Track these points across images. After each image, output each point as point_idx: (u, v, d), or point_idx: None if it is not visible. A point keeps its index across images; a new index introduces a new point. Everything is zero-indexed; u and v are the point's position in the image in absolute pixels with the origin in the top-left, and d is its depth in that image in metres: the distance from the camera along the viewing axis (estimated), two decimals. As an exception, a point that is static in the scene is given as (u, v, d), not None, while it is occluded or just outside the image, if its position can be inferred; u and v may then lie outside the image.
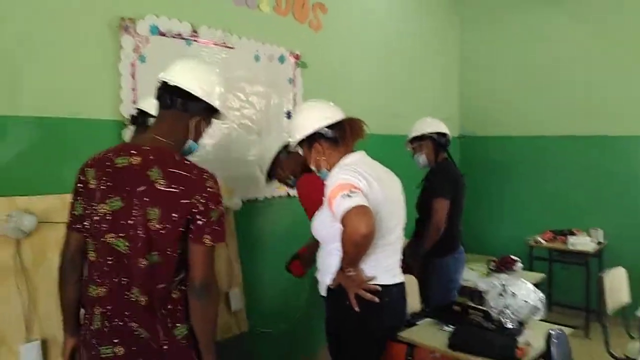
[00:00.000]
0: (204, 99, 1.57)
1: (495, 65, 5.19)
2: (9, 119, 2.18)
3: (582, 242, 4.20)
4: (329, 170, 2.02)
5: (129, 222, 1.44)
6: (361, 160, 2.04)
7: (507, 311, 2.27)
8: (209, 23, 2.87)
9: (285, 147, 2.76)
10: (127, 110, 2.50)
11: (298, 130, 2.07)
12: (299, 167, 2.62)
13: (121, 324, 1.47)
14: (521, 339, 2.23)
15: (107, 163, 1.49)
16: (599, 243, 4.31)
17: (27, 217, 2.05)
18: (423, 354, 2.48)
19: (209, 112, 1.63)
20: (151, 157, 1.48)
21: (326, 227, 1.99)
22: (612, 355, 2.83)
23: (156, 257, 1.46)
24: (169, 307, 1.50)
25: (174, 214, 1.44)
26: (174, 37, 2.71)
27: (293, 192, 3.41)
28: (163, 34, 2.65)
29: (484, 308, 2.44)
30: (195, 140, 1.63)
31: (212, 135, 2.93)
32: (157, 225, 1.44)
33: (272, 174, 2.79)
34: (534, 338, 2.22)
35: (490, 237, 4.86)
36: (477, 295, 2.81)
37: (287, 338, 3.32)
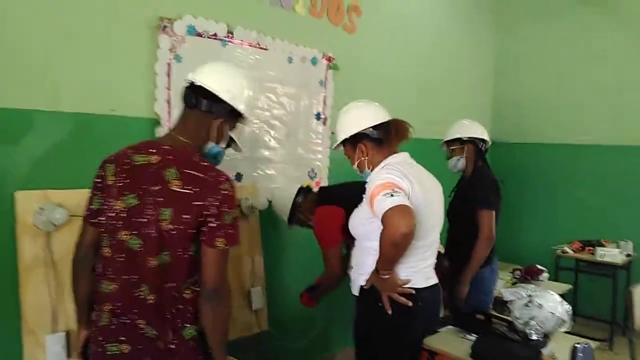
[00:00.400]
0: (228, 101, 1.58)
1: (529, 71, 5.12)
2: (46, 114, 2.24)
3: (611, 254, 4.13)
4: (371, 170, 2.03)
5: (143, 220, 1.45)
6: (405, 161, 2.05)
7: (533, 322, 2.26)
8: (244, 24, 2.90)
9: (300, 190, 2.76)
10: (161, 109, 2.56)
11: (343, 130, 2.08)
12: (315, 205, 2.63)
13: (128, 321, 1.47)
14: (546, 351, 2.22)
15: (126, 160, 1.50)
16: (628, 255, 4.23)
17: (59, 210, 2.10)
18: (443, 361, 2.49)
19: (233, 115, 1.63)
20: (169, 157, 1.48)
21: (364, 224, 2.00)
22: (638, 371, 2.79)
23: (167, 257, 1.46)
24: (179, 307, 1.49)
25: (185, 215, 1.43)
26: (209, 38, 2.74)
27: (320, 193, 3.45)
28: (199, 34, 2.69)
29: (509, 318, 2.44)
30: (217, 142, 1.62)
31: (242, 134, 2.96)
32: (169, 226, 1.44)
33: (293, 219, 2.78)
34: (558, 350, 2.21)
35: (517, 246, 4.80)
36: (499, 304, 2.79)
37: (307, 338, 3.35)
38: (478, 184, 2.83)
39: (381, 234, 1.80)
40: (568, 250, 4.35)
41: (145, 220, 1.45)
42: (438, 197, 2.09)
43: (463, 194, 2.92)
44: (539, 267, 3.70)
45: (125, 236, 1.46)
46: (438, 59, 4.51)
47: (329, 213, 2.50)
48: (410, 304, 1.92)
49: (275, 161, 3.19)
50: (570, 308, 2.35)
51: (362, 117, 2.05)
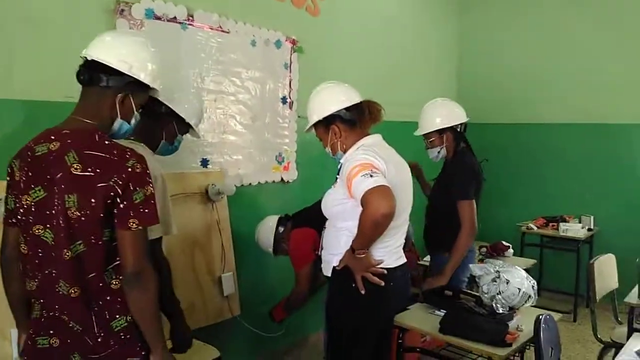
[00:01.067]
0: (125, 72, 1.45)
1: (493, 51, 5.19)
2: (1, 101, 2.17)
3: (574, 229, 4.25)
4: (344, 152, 2.03)
5: (52, 211, 1.37)
6: (379, 143, 2.06)
7: (499, 297, 2.31)
8: (205, 7, 2.85)
9: (280, 221, 2.87)
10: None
11: (316, 112, 2.06)
12: (291, 230, 2.82)
13: (56, 315, 1.41)
14: (512, 324, 2.27)
15: (28, 152, 1.41)
16: (590, 230, 4.36)
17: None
18: (414, 337, 2.53)
19: (137, 87, 1.51)
20: (69, 141, 1.38)
21: (338, 204, 2.00)
22: (599, 339, 2.88)
23: (81, 246, 1.38)
24: (107, 298, 1.41)
25: (92, 199, 1.35)
26: (169, 21, 2.69)
27: (286, 177, 3.45)
28: (158, 18, 2.63)
29: (477, 293, 2.48)
30: (125, 118, 1.50)
31: (207, 119, 2.93)
32: (77, 213, 1.35)
33: (278, 250, 2.88)
34: (524, 323, 2.27)
35: (484, 223, 4.83)
36: (471, 279, 2.84)
37: (280, 323, 3.35)
38: (457, 174, 2.69)
39: (361, 214, 1.81)
40: (532, 226, 4.45)
41: (55, 211, 1.37)
42: (409, 179, 2.12)
43: (444, 181, 2.80)
44: (505, 243, 3.79)
45: (39, 230, 1.39)
46: (403, 40, 4.52)
47: (302, 235, 2.69)
48: (383, 283, 1.95)
49: (242, 146, 3.16)
50: (536, 283, 2.41)
51: (334, 98, 2.04)
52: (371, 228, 1.82)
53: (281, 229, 2.87)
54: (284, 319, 3.03)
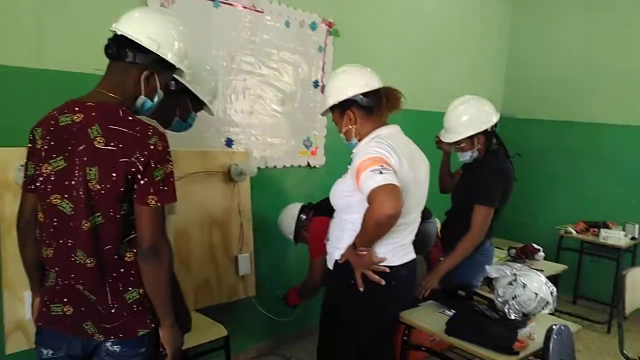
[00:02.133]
0: (152, 49, 1.45)
1: (545, 44, 4.91)
2: (32, 71, 2.23)
3: (615, 236, 4.02)
4: (359, 140, 1.96)
5: (72, 182, 1.39)
6: (395, 135, 1.96)
7: (512, 302, 2.21)
8: (239, -16, 2.83)
9: (303, 208, 2.84)
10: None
11: (332, 95, 1.99)
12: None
13: (71, 283, 1.45)
14: (523, 332, 2.17)
15: (51, 122, 1.43)
16: (633, 238, 4.12)
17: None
18: (423, 336, 2.46)
19: (163, 66, 1.51)
20: (93, 114, 1.40)
21: (345, 196, 1.93)
22: (624, 355, 2.73)
23: (99, 218, 1.40)
24: (121, 270, 1.45)
25: (113, 174, 1.37)
26: (201, -1, 2.68)
27: (313, 162, 3.41)
28: (190, -6, 2.63)
29: (491, 296, 2.39)
30: (148, 96, 1.51)
31: (235, 99, 2.93)
32: (97, 186, 1.38)
33: (299, 238, 2.86)
34: (539, 332, 2.16)
35: (521, 223, 4.69)
36: (487, 281, 2.73)
37: (301, 305, 3.36)
38: (485, 176, 2.51)
39: (366, 212, 1.75)
40: (572, 230, 4.25)
41: (74, 182, 1.39)
42: (425, 175, 2.02)
43: (471, 180, 2.62)
44: (535, 245, 3.62)
45: (56, 200, 1.42)
46: (448, 27, 4.34)
47: (321, 223, 2.59)
48: (384, 282, 1.88)
49: (269, 128, 3.15)
50: (555, 289, 2.29)
51: (351, 82, 1.96)
52: (374, 227, 1.76)
53: (303, 217, 2.85)
54: (297, 304, 3.03)
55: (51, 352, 1.49)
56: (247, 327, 3.08)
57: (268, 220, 3.14)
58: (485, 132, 2.54)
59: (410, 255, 2.03)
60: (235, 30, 2.87)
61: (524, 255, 3.53)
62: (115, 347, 1.47)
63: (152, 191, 1.40)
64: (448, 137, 2.59)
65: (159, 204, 1.41)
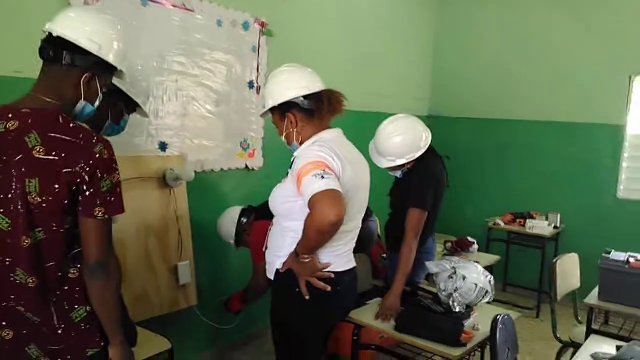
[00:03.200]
0: (92, 51, 1.37)
1: (467, 46, 5.15)
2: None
3: (540, 226, 4.25)
4: (300, 144, 1.88)
5: (9, 196, 1.29)
6: (338, 139, 1.89)
7: (455, 294, 2.27)
8: (167, -18, 2.72)
9: (243, 212, 2.81)
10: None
11: (272, 96, 1.89)
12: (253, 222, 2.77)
13: (9, 305, 1.34)
14: (468, 323, 2.23)
15: None
16: (556, 227, 4.38)
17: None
18: (370, 334, 2.48)
19: (104, 68, 1.43)
20: (29, 121, 1.30)
21: (285, 202, 1.85)
22: (557, 338, 2.88)
23: (40, 233, 1.31)
24: (65, 288, 1.36)
25: (55, 185, 1.28)
26: (127, -4, 2.55)
27: (251, 164, 3.35)
28: (116, -8, 2.49)
29: (434, 290, 2.44)
30: (89, 100, 1.42)
31: (167, 101, 2.81)
32: (38, 199, 1.29)
33: (240, 241, 2.82)
34: (482, 322, 2.23)
35: (452, 218, 4.82)
36: (430, 276, 2.79)
37: (243, 310, 3.29)
38: (416, 180, 2.53)
39: (307, 218, 1.69)
40: (499, 222, 4.45)
41: (11, 195, 1.29)
42: (366, 181, 1.97)
43: (403, 183, 2.65)
44: (469, 239, 3.76)
45: None
46: (376, 29, 4.42)
47: (263, 227, 2.53)
48: (329, 288, 1.83)
49: (204, 131, 3.05)
50: (492, 278, 2.37)
51: (292, 84, 1.87)
52: (316, 234, 1.70)
53: (244, 220, 2.79)
54: (239, 310, 2.96)
55: None
56: (190, 337, 2.97)
57: (206, 225, 3.04)
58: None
59: (352, 263, 1.98)
60: (165, 29, 2.76)
61: (459, 248, 3.65)
62: None
63: (98, 202, 1.32)
64: (381, 162, 2.56)
65: (106, 216, 1.34)
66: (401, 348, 2.38)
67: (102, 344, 1.43)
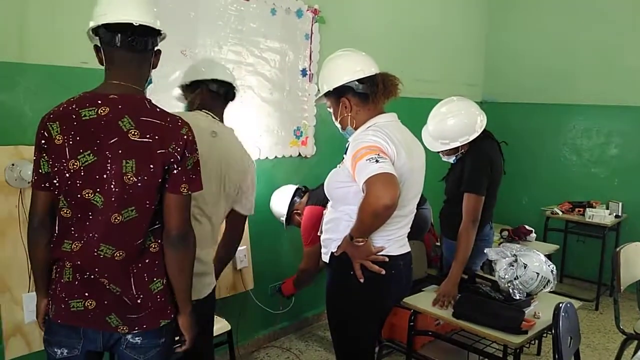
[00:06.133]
0: (161, 31, 1.46)
1: (525, 28, 4.96)
2: (14, 65, 2.15)
3: (600, 215, 4.10)
4: (355, 129, 1.88)
5: (104, 176, 1.37)
6: (392, 123, 1.88)
7: (516, 282, 2.23)
8: (223, -29, 2.76)
9: (296, 191, 2.85)
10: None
11: (327, 81, 1.90)
12: (305, 205, 2.81)
13: (92, 277, 1.42)
14: (529, 311, 2.19)
15: (72, 116, 1.37)
16: (617, 216, 4.21)
17: (31, 166, 2.03)
18: (426, 321, 2.47)
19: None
20: (120, 107, 1.38)
21: (341, 186, 1.86)
22: (621, 330, 2.78)
23: (133, 212, 1.39)
24: (146, 261, 1.45)
25: (151, 165, 1.38)
26: (185, -15, 2.61)
27: (304, 152, 3.38)
28: (175, -18, 2.56)
29: (493, 278, 2.40)
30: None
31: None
32: (134, 179, 1.37)
33: (290, 221, 2.88)
34: (542, 310, 2.19)
35: (507, 206, 4.70)
36: (487, 264, 2.75)
37: (295, 296, 3.34)
38: (471, 165, 2.49)
39: (361, 202, 1.69)
40: (557, 211, 4.32)
41: (106, 176, 1.37)
42: (421, 165, 1.95)
43: (458, 169, 2.60)
44: (527, 227, 3.67)
45: (88, 195, 1.37)
46: (428, 13, 4.34)
47: (314, 213, 2.63)
48: (384, 272, 1.82)
49: (259, 119, 3.09)
50: (555, 268, 2.31)
51: (347, 68, 1.87)
52: (370, 218, 1.69)
53: (297, 200, 2.83)
54: (293, 294, 3.00)
55: (65, 351, 1.45)
56: (245, 321, 3.04)
57: (261, 212, 3.09)
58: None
59: (406, 248, 1.96)
60: (221, 19, 2.81)
61: (516, 237, 3.57)
62: (136, 338, 1.46)
63: (184, 180, 1.42)
64: (435, 146, 2.56)
65: (189, 192, 1.44)
66: (458, 335, 2.36)
67: (172, 315, 1.51)
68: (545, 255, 3.01)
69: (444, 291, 2.30)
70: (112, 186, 1.37)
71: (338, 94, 1.89)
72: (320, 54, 3.33)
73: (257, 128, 3.08)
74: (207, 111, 1.93)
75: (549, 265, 2.30)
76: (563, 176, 4.78)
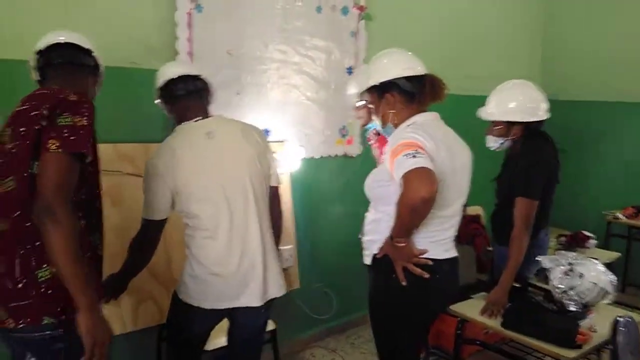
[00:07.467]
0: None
1: (585, 19, 4.68)
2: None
3: (669, 221, 3.83)
4: (395, 126, 1.84)
5: None
6: (433, 122, 1.84)
7: (572, 292, 2.09)
8: (268, -29, 2.75)
9: None
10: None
11: (373, 76, 1.88)
12: None
13: None
14: (584, 324, 2.05)
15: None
16: (687, 222, 3.92)
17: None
18: (475, 329, 2.36)
19: None
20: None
21: (381, 185, 1.82)
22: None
23: (11, 182, 1.32)
24: (36, 243, 1.29)
25: (22, 128, 1.31)
26: (232, -14, 2.61)
27: (350, 152, 3.32)
28: (221, -18, 2.56)
29: (547, 287, 2.27)
30: None
31: (270, 89, 2.86)
32: (8, 145, 1.35)
33: None
34: (599, 323, 2.05)
35: (566, 210, 4.44)
36: (541, 272, 2.60)
37: (341, 296, 3.30)
38: (525, 167, 2.33)
39: (399, 197, 1.64)
40: (620, 215, 4.06)
41: None
42: (466, 165, 1.88)
43: (510, 170, 2.45)
44: (586, 233, 3.46)
45: None
46: (480, 9, 4.17)
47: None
48: (427, 275, 1.75)
49: (305, 118, 3.06)
50: (615, 278, 2.16)
51: (394, 65, 1.85)
52: (408, 213, 1.64)
53: None
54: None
55: None
56: (289, 320, 3.02)
57: (306, 212, 3.07)
58: (525, 124, 2.38)
59: (452, 252, 1.88)
60: (267, 17, 2.80)
61: (575, 243, 3.38)
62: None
63: (53, 135, 1.31)
64: (486, 114, 2.45)
65: (59, 150, 1.28)
66: (508, 346, 2.25)
67: (62, 317, 1.32)
68: (607, 264, 2.83)
69: (493, 299, 2.20)
70: None
71: (383, 90, 1.86)
72: (367, 52, 3.26)
73: (302, 127, 3.05)
74: (191, 121, 1.90)
75: (608, 275, 2.15)
76: (627, 179, 4.48)
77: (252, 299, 1.88)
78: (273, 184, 2.01)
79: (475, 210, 3.49)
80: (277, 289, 1.97)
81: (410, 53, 1.93)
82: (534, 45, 4.86)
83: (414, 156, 1.59)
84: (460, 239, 2.14)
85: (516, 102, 2.38)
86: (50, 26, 1.98)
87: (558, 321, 1.97)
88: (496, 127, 2.43)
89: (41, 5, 2.15)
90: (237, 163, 1.87)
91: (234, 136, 1.91)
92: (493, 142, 2.47)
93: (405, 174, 1.58)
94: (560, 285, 2.13)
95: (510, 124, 2.39)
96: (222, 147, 1.86)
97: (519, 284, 2.33)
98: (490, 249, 2.99)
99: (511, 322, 2.00)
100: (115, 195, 2.26)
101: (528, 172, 2.33)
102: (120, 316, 2.25)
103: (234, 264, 1.85)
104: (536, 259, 2.32)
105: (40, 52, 1.58)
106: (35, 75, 1.60)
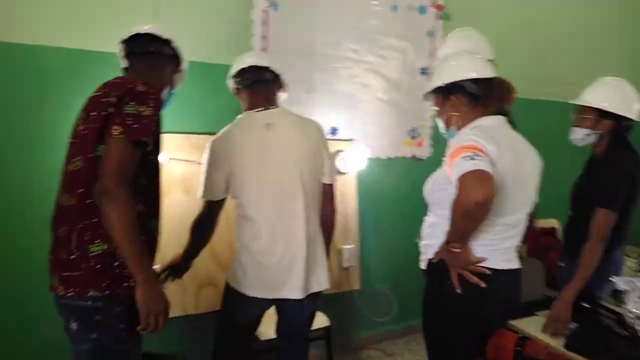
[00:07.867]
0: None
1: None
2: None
3: None
4: (459, 129, 1.79)
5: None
6: (498, 126, 1.77)
7: (647, 319, 1.94)
8: (345, -31, 2.74)
9: None
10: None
11: (440, 76, 1.84)
12: None
13: (53, 228, 1.46)
14: (660, 354, 1.90)
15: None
16: None
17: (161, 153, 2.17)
18: (536, 348, 2.24)
19: None
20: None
21: (439, 189, 1.77)
22: None
23: (79, 162, 1.42)
24: (93, 220, 1.37)
25: (92, 113, 1.41)
26: (306, -15, 2.64)
27: (420, 154, 3.27)
28: (296, -19, 2.60)
29: (620, 310, 2.12)
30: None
31: (341, 87, 2.86)
32: (80, 127, 1.45)
33: None
34: (678, 354, 1.88)
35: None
36: (617, 294, 2.42)
37: (402, 300, 3.25)
38: (607, 176, 2.20)
39: (453, 201, 1.58)
40: None
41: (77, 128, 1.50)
42: (533, 171, 1.79)
43: (591, 179, 2.33)
44: (673, 254, 3.20)
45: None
46: (564, 8, 3.94)
47: None
48: (484, 284, 1.68)
49: (374, 118, 3.05)
50: (700, 307, 1.97)
51: (461, 67, 1.80)
52: (461, 217, 1.58)
53: None
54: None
55: None
56: (347, 319, 3.02)
57: (371, 212, 3.05)
58: (616, 121, 2.24)
59: (514, 263, 1.79)
60: (342, 16, 2.80)
61: (657, 264, 3.13)
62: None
63: (117, 121, 1.41)
64: (580, 101, 2.34)
65: (121, 136, 1.37)
66: (571, 369, 2.12)
67: (106, 292, 1.39)
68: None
69: (554, 315, 2.08)
70: (71, 137, 1.51)
71: (448, 91, 1.81)
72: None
73: (371, 127, 3.04)
74: (253, 111, 1.94)
75: (692, 303, 1.97)
76: None
77: (293, 291, 1.90)
78: (326, 181, 2.02)
79: (550, 223, 3.32)
80: (318, 284, 1.98)
81: (477, 56, 1.87)
82: (622, 47, 4.50)
83: (472, 158, 1.54)
84: (530, 252, 2.05)
85: (612, 92, 2.28)
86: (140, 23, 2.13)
87: (629, 348, 1.83)
88: (586, 117, 2.30)
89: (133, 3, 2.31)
90: (291, 156, 1.90)
91: (292, 130, 1.93)
92: (577, 134, 2.34)
93: (461, 177, 1.53)
94: (634, 310, 1.98)
95: (600, 116, 2.26)
96: (278, 140, 1.89)
97: (589, 304, 2.19)
98: (563, 264, 2.83)
99: (575, 344, 1.88)
100: (187, 184, 2.36)
101: (609, 182, 2.19)
102: (181, 300, 2.35)
103: (277, 254, 1.88)
104: (610, 279, 2.16)
105: (124, 42, 1.69)
106: (123, 63, 1.71)
